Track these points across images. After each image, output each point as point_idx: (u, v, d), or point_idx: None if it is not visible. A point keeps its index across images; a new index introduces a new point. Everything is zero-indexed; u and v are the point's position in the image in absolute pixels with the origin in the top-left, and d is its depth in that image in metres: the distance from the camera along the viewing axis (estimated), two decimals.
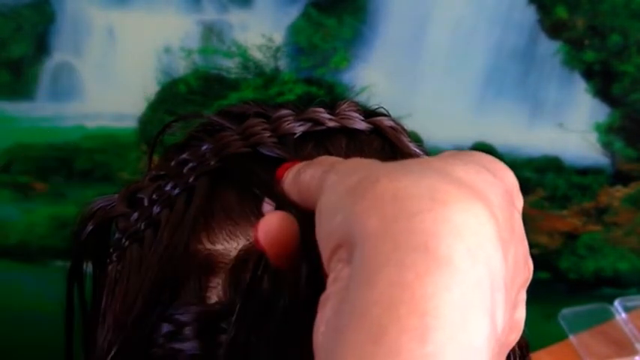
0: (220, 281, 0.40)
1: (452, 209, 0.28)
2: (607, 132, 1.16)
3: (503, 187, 0.32)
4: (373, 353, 0.25)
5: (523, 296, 0.35)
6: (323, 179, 0.33)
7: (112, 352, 0.40)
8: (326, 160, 0.36)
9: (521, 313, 0.35)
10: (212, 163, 0.42)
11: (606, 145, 1.16)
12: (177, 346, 0.39)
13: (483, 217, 0.29)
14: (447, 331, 0.26)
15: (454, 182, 0.29)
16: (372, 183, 0.30)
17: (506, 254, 0.30)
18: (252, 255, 0.38)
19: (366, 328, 0.26)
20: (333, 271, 0.30)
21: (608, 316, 1.18)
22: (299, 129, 0.42)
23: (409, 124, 0.48)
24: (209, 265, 0.40)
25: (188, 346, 0.39)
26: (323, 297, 0.30)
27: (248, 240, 0.40)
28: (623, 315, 1.17)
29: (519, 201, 0.33)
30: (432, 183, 0.29)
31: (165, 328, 0.40)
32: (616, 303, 1.18)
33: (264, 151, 0.42)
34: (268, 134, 0.42)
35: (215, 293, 0.40)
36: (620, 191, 1.21)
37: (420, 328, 0.26)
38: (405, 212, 0.28)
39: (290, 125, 0.42)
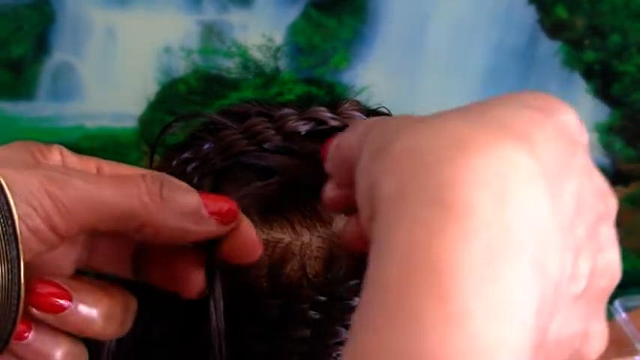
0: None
1: (475, 154, 0.26)
2: (607, 132, 1.16)
3: (554, 124, 0.29)
4: (394, 321, 0.24)
5: (608, 234, 0.31)
6: (360, 148, 0.31)
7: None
8: (362, 124, 0.34)
9: (610, 255, 0.31)
10: (217, 162, 0.42)
11: (606, 145, 1.16)
12: None
13: (517, 156, 0.26)
14: (470, 285, 0.24)
15: (485, 125, 0.27)
16: (392, 142, 0.28)
17: (557, 191, 0.27)
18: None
19: (384, 297, 0.24)
20: None
21: (608, 316, 1.18)
22: (303, 128, 0.42)
23: None
24: None
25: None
26: None
27: None
28: (623, 315, 1.17)
29: (582, 136, 0.31)
30: (455, 130, 0.27)
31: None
32: (616, 303, 1.18)
33: (271, 146, 0.42)
34: (272, 132, 0.42)
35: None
36: (620, 191, 1.21)
37: (438, 288, 0.23)
38: (421, 166, 0.26)
39: (294, 124, 0.42)
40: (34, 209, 0.32)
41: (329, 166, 0.35)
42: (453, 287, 0.24)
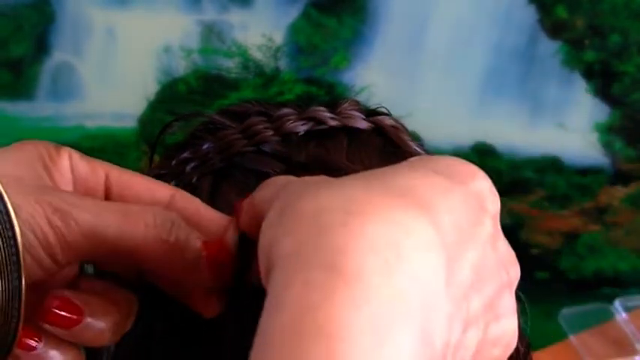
0: None
1: (368, 221, 0.26)
2: (607, 132, 1.16)
3: (462, 191, 0.29)
4: None
5: (508, 304, 0.31)
6: (271, 203, 0.31)
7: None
8: (278, 181, 0.34)
9: (506, 325, 0.31)
10: (216, 162, 0.42)
11: (606, 145, 1.16)
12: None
13: (413, 223, 0.27)
14: (357, 351, 0.24)
15: (384, 191, 0.27)
16: (294, 202, 0.28)
17: (455, 261, 0.28)
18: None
19: (271, 356, 0.24)
20: None
21: (608, 316, 1.18)
22: (301, 128, 0.42)
23: (409, 124, 0.48)
24: None
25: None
26: None
27: None
28: (623, 315, 1.17)
29: (492, 204, 0.31)
30: (353, 195, 0.27)
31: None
32: (616, 303, 1.19)
33: (268, 149, 0.42)
34: (271, 133, 0.42)
35: None
36: (620, 191, 1.21)
37: (325, 353, 0.24)
38: (317, 229, 0.26)
39: (293, 124, 0.42)
40: (38, 239, 0.32)
41: (242, 222, 0.35)
42: (340, 352, 0.24)
